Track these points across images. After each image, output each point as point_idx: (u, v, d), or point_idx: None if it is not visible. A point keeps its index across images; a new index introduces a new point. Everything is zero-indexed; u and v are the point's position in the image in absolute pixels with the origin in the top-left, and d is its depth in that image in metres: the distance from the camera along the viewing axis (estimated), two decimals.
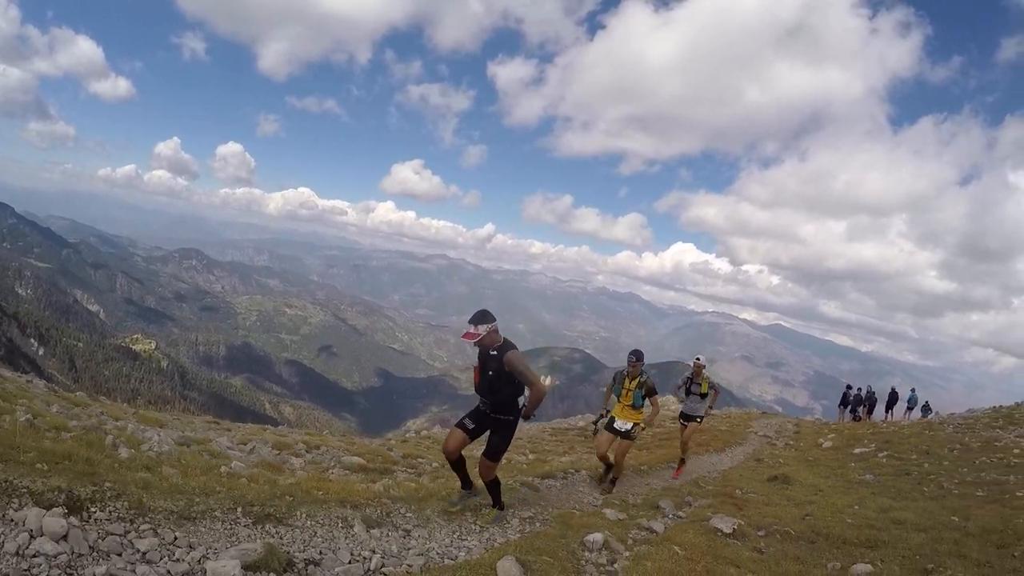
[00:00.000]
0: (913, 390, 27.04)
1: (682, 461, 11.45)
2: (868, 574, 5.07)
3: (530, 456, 13.49)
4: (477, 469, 6.04)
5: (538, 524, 6.11)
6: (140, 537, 3.88)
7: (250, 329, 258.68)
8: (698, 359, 10.91)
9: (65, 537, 3.56)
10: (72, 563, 3.38)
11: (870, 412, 25.64)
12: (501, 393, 5.76)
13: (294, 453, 10.71)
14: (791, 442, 16.96)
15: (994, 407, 21.52)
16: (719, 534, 6.26)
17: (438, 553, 4.82)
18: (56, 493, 4.00)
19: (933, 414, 25.23)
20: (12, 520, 3.62)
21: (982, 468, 11.18)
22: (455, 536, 5.37)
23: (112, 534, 3.82)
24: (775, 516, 7.39)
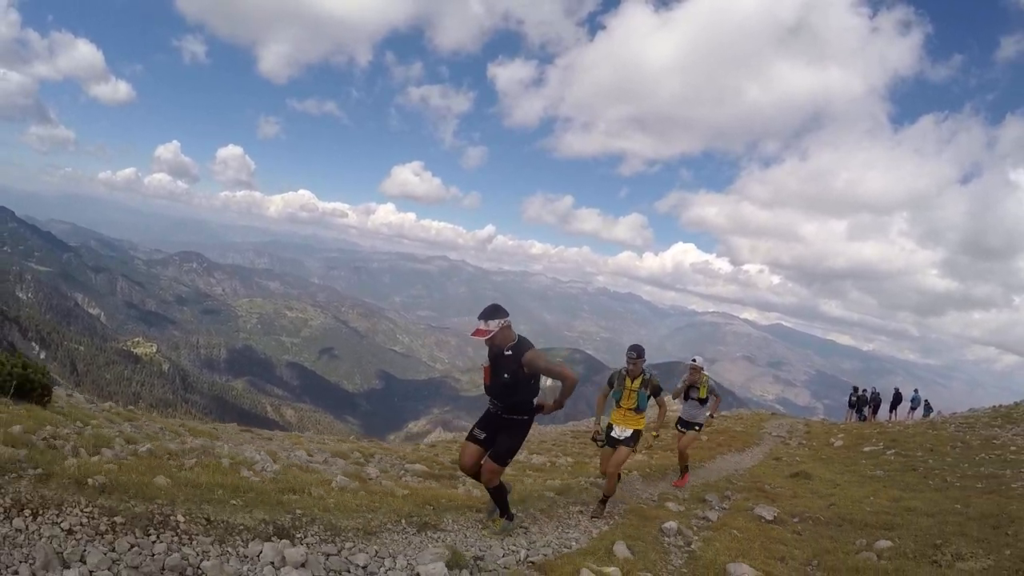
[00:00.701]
0: (916, 391, 28.22)
1: (684, 469, 10.56)
2: (889, 548, 6.32)
3: (568, 459, 14.53)
4: (482, 474, 5.66)
5: (617, 517, 7.23)
6: (352, 554, 4.51)
7: (251, 332, 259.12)
8: (694, 361, 9.81)
9: (304, 564, 4.11)
10: None
11: (875, 412, 26.98)
12: (515, 396, 5.41)
13: (356, 462, 11.38)
14: (804, 442, 17.97)
15: (994, 407, 22.54)
16: (763, 520, 7.59)
17: (557, 544, 5.85)
18: (265, 525, 4.50)
19: (935, 413, 26.43)
20: (247, 556, 4.08)
21: (981, 464, 12.30)
22: (560, 530, 6.43)
23: (331, 555, 4.41)
24: (804, 506, 8.69)
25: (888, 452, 14.54)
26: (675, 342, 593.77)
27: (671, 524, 6.69)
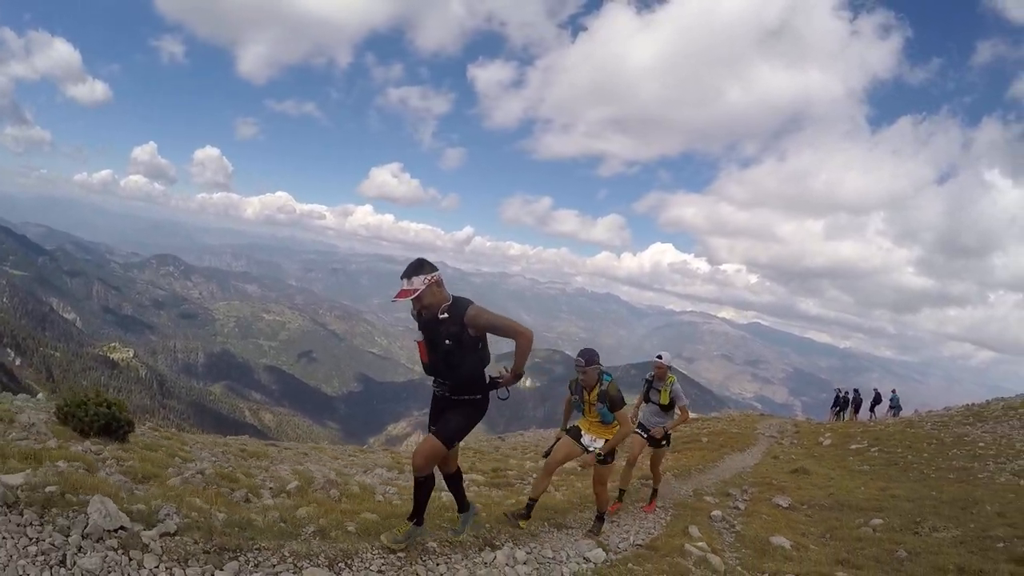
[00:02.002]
0: (894, 391, 30.37)
1: (654, 492, 9.10)
2: (881, 524, 8.31)
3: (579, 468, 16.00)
4: (412, 456, 4.89)
5: (671, 510, 8.83)
6: (540, 551, 5.72)
7: (228, 335, 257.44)
8: (659, 358, 8.31)
9: (526, 562, 5.36)
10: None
11: (856, 412, 28.98)
12: (463, 367, 4.62)
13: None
14: (795, 441, 19.65)
15: (967, 405, 24.21)
16: (781, 507, 9.51)
17: (644, 531, 7.38)
18: (476, 539, 5.60)
19: (902, 412, 28.59)
20: (486, 562, 5.16)
21: (953, 458, 14.16)
22: (637, 521, 7.92)
23: (529, 553, 5.60)
24: (809, 495, 10.63)
25: (872, 449, 16.32)
26: (654, 342, 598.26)
27: (717, 512, 8.54)
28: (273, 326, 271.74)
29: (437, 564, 4.92)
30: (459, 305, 4.51)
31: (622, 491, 8.54)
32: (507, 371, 4.77)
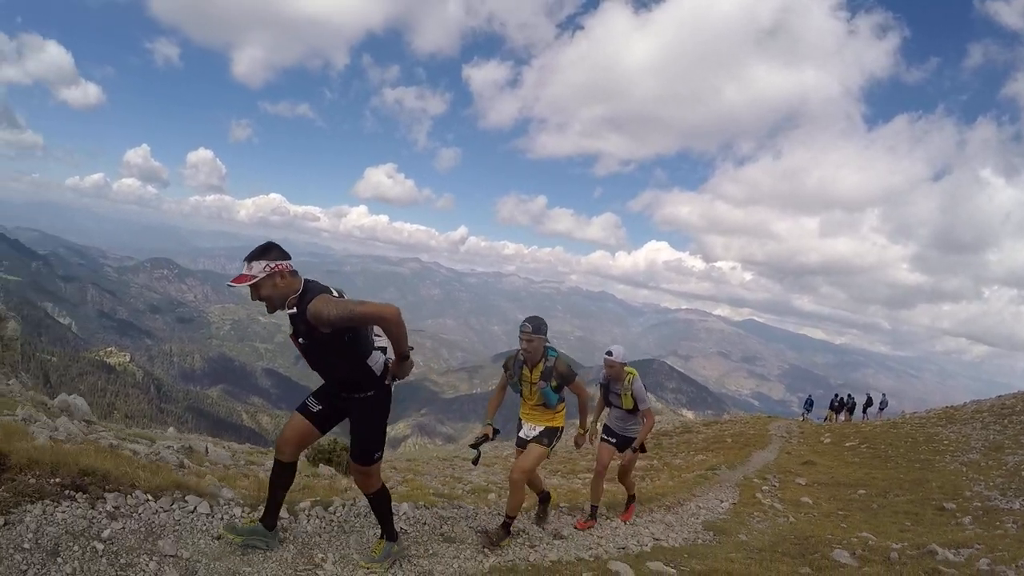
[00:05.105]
0: (884, 395, 35.24)
1: (631, 499, 8.33)
2: (864, 493, 13.42)
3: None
4: (354, 479, 4.55)
5: (737, 488, 13.60)
6: (683, 510, 11.38)
7: (224, 338, 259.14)
8: (609, 353, 6.84)
9: (676, 514, 10.97)
10: None
11: (851, 414, 33.70)
12: (335, 367, 4.02)
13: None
14: (801, 440, 23.89)
15: (944, 407, 27.77)
16: (801, 484, 14.55)
17: (731, 499, 12.34)
18: (646, 508, 11.28)
19: (899, 407, 33.02)
20: (654, 517, 10.97)
21: (922, 453, 18.73)
22: (722, 493, 12.89)
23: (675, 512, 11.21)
24: (817, 478, 15.64)
25: (862, 446, 20.84)
26: (649, 340, 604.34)
27: (765, 487, 13.52)
28: (269, 328, 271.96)
29: (614, 514, 9.21)
30: (307, 294, 3.75)
31: (594, 507, 7.43)
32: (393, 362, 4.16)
